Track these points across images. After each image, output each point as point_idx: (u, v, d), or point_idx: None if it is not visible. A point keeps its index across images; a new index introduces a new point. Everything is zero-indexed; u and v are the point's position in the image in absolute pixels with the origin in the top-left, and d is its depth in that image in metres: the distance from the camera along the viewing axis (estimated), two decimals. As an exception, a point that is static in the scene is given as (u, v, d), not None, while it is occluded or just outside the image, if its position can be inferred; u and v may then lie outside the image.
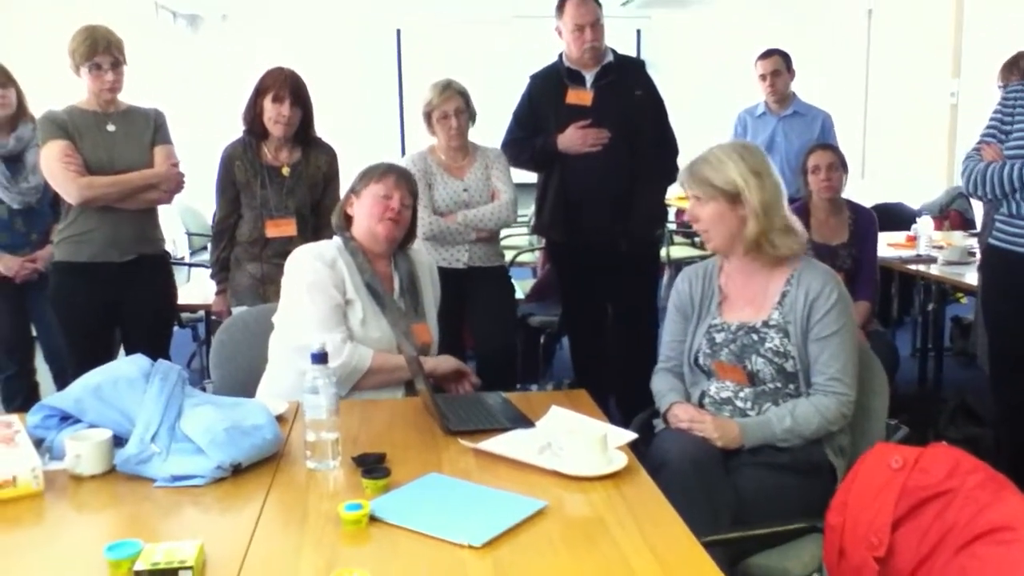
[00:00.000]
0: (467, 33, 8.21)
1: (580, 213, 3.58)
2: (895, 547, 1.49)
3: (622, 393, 3.70)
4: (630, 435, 1.92)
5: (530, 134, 3.64)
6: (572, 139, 3.53)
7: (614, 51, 3.65)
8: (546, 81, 3.66)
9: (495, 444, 1.89)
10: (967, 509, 1.41)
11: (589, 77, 3.58)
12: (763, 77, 4.72)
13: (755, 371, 2.18)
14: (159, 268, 3.28)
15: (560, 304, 4.30)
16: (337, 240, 2.46)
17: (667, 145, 3.65)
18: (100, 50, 3.03)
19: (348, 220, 2.48)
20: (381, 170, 2.46)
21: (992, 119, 2.81)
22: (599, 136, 3.50)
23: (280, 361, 2.39)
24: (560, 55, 3.64)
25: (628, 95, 3.55)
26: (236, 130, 3.27)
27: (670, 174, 3.46)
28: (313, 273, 2.33)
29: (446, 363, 2.42)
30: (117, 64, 3.08)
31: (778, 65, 4.71)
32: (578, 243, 3.64)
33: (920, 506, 1.48)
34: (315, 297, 2.31)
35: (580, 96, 3.56)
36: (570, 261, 3.76)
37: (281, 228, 3.15)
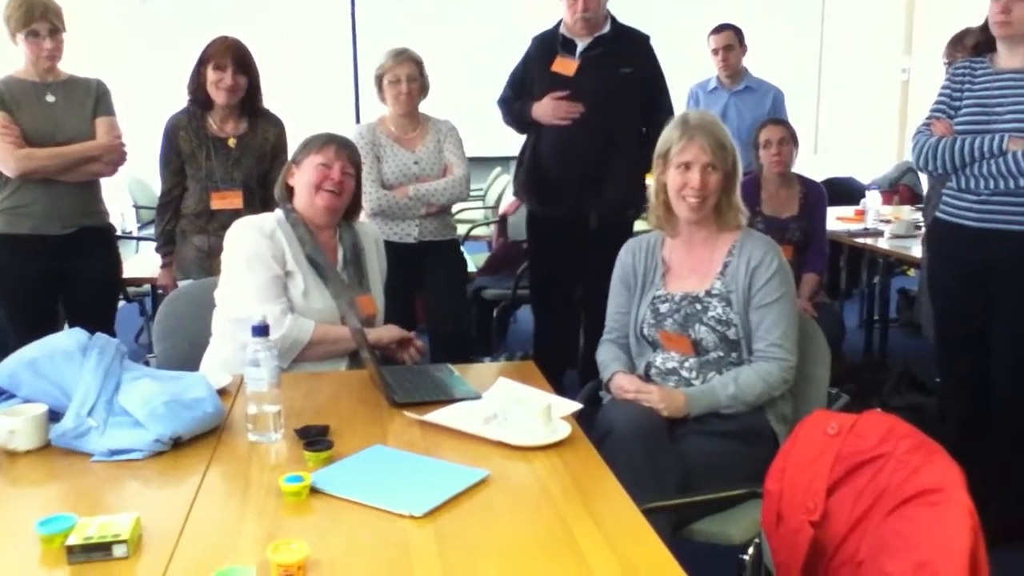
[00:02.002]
0: (423, 2, 8.11)
1: (550, 184, 3.56)
2: (830, 511, 1.51)
3: (584, 367, 3.70)
4: (575, 405, 1.93)
5: (519, 95, 3.60)
6: (544, 109, 3.48)
7: (615, 23, 3.53)
8: (541, 45, 3.59)
9: (441, 416, 1.89)
10: (899, 473, 1.43)
11: (580, 46, 3.49)
12: (715, 52, 4.73)
13: (699, 339, 2.21)
14: (103, 241, 3.22)
15: (513, 278, 4.32)
16: (278, 212, 2.43)
17: (655, 128, 3.59)
18: (36, 16, 2.94)
19: (290, 191, 2.45)
20: (321, 140, 2.43)
21: (941, 95, 2.85)
22: (570, 110, 3.43)
23: (221, 334, 2.36)
24: (560, 20, 3.56)
25: (613, 70, 3.44)
26: (185, 101, 3.20)
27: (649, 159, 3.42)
28: (252, 245, 2.30)
29: (388, 333, 2.41)
30: (55, 31, 3.00)
31: (730, 40, 4.72)
32: (548, 213, 3.63)
33: (854, 471, 1.50)
34: (254, 269, 2.28)
35: (565, 65, 3.49)
36: (540, 231, 3.73)
37: (227, 200, 3.10)
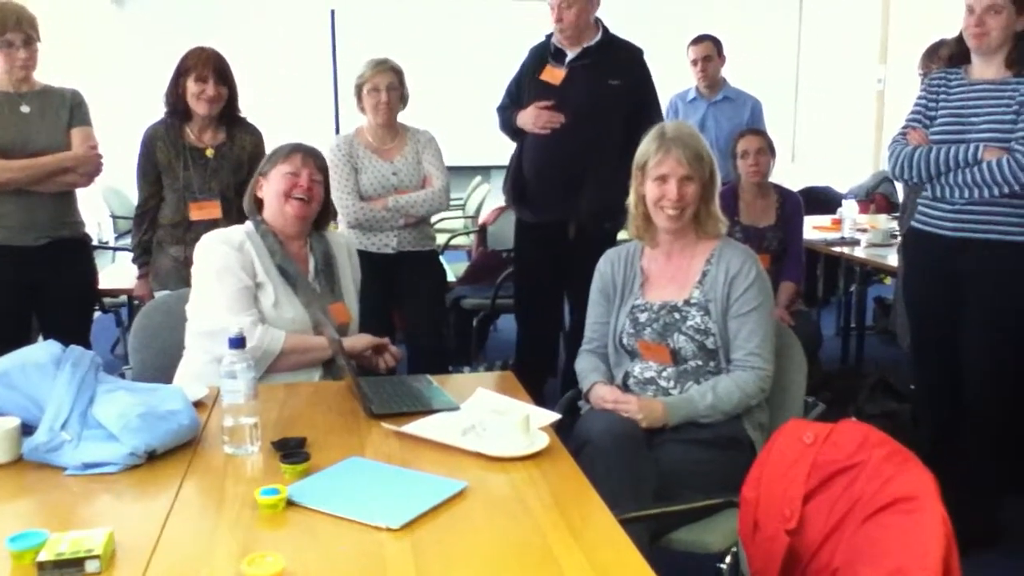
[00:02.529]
0: (403, 13, 8.11)
1: (532, 191, 3.57)
2: (806, 519, 1.52)
3: (565, 377, 3.70)
4: (553, 415, 1.93)
5: (514, 103, 3.61)
6: (527, 117, 3.49)
7: (608, 34, 3.53)
8: (535, 53, 3.61)
9: (419, 427, 1.89)
10: (874, 481, 1.44)
11: (569, 56, 3.49)
12: (695, 62, 4.77)
13: (677, 349, 2.22)
14: (78, 252, 3.19)
15: (493, 287, 4.32)
16: (248, 224, 2.42)
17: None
18: (10, 26, 2.92)
19: (260, 204, 2.44)
20: (287, 149, 2.43)
21: (917, 105, 2.88)
22: (551, 120, 3.43)
23: (192, 348, 2.35)
24: (553, 31, 3.55)
25: (600, 82, 3.43)
26: (163, 110, 3.18)
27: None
28: (221, 257, 2.29)
29: (360, 341, 2.39)
30: (30, 41, 2.97)
31: (709, 51, 4.76)
32: (531, 220, 3.64)
33: (830, 479, 1.51)
34: (223, 280, 2.27)
35: (553, 74, 3.49)
36: (524, 238, 3.74)
37: (205, 211, 3.08)
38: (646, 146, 2.27)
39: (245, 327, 2.17)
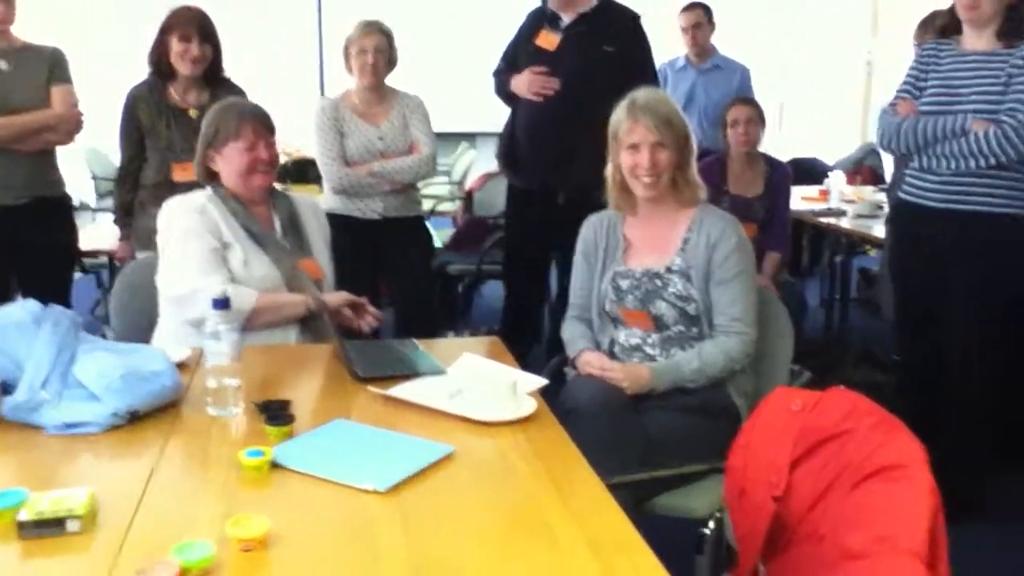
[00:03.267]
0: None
1: (523, 157, 3.54)
2: (793, 486, 1.52)
3: (550, 343, 3.69)
4: (540, 381, 1.92)
5: (510, 67, 3.57)
6: (521, 82, 3.45)
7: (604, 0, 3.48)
8: (531, 18, 3.56)
9: (405, 390, 1.87)
10: (862, 449, 1.44)
11: (565, 21, 3.45)
12: (685, 30, 4.74)
13: (659, 315, 2.22)
14: (58, 211, 3.15)
15: (478, 254, 4.30)
16: (207, 190, 2.38)
17: None
18: (-13, -18, 2.85)
19: (212, 174, 2.40)
20: (234, 123, 2.34)
21: (908, 76, 2.87)
22: (545, 85, 3.39)
23: (165, 314, 2.32)
24: None
25: (595, 48, 3.38)
26: (146, 70, 3.12)
27: None
28: (184, 221, 2.27)
29: (337, 297, 2.36)
30: (7, -3, 2.90)
31: (699, 18, 4.73)
32: (521, 186, 3.61)
33: (817, 447, 1.51)
34: (189, 244, 2.24)
35: (547, 39, 3.45)
36: (514, 203, 3.72)
37: (188, 172, 2.98)
38: (617, 115, 2.26)
39: (215, 287, 2.13)
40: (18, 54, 2.99)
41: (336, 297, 2.36)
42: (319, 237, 2.52)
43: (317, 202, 2.67)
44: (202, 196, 2.34)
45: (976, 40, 2.72)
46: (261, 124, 2.36)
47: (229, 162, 2.34)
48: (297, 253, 2.39)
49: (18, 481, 1.42)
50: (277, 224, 2.42)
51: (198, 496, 1.43)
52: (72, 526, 1.28)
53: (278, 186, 2.63)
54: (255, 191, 2.36)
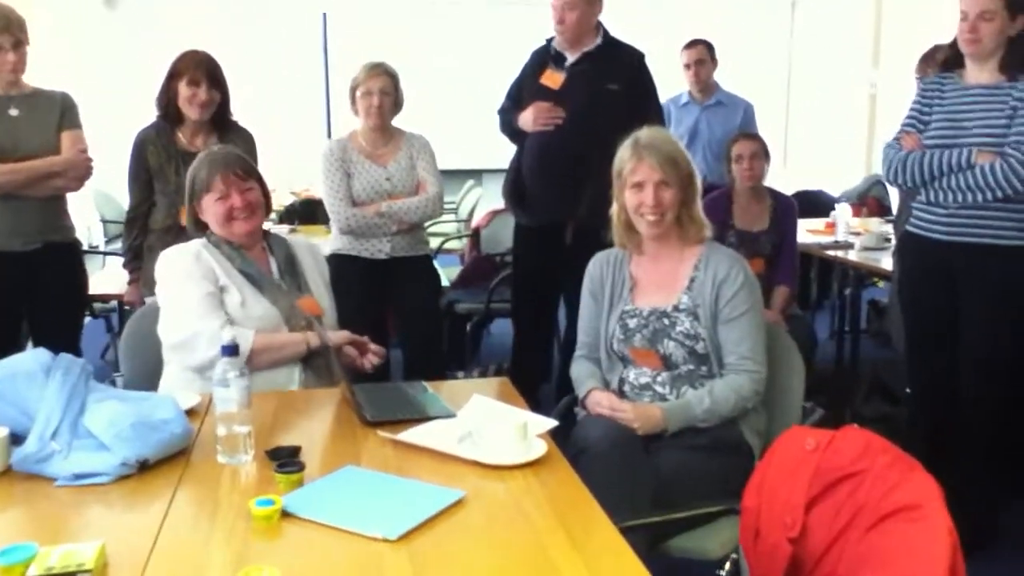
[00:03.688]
0: (395, 16, 8.09)
1: (529, 194, 3.55)
2: (808, 527, 1.51)
3: (560, 382, 3.68)
4: (551, 422, 1.91)
5: (515, 105, 3.60)
6: (527, 117, 3.48)
7: (608, 37, 3.51)
8: (536, 57, 3.60)
9: (414, 435, 1.87)
10: (877, 489, 1.43)
11: (569, 60, 3.48)
12: (687, 66, 4.77)
13: (668, 354, 2.22)
14: (68, 256, 3.15)
15: (486, 292, 4.30)
16: (201, 239, 2.39)
17: None
18: (-1, 29, 2.89)
19: (204, 225, 2.41)
20: (204, 175, 2.35)
21: (912, 110, 2.88)
22: (551, 114, 3.42)
23: (169, 363, 2.32)
24: (554, 35, 3.54)
25: (599, 86, 3.41)
26: (154, 114, 3.16)
27: None
28: (179, 267, 2.29)
29: (337, 336, 2.35)
30: (19, 44, 2.94)
31: (702, 55, 4.76)
32: (529, 223, 3.63)
33: (832, 487, 1.50)
34: (185, 290, 2.25)
35: (552, 78, 3.48)
36: (522, 241, 3.73)
37: None
38: (621, 154, 2.28)
39: (213, 331, 2.13)
40: (28, 100, 3.02)
41: (337, 336, 2.36)
42: (317, 276, 2.52)
43: (313, 243, 2.68)
44: (197, 244, 2.36)
45: (979, 73, 2.74)
46: (230, 172, 2.35)
47: (209, 215, 2.37)
48: (295, 292, 2.40)
49: (28, 535, 1.42)
50: (274, 266, 2.43)
51: (209, 547, 1.42)
52: (82, 580, 1.27)
53: (283, 228, 2.65)
54: (240, 238, 2.37)
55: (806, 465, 1.54)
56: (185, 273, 2.27)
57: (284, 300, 2.34)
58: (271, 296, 2.33)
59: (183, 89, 3.03)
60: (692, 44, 4.78)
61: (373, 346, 2.40)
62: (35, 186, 2.97)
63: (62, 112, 3.06)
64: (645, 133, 2.27)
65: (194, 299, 2.24)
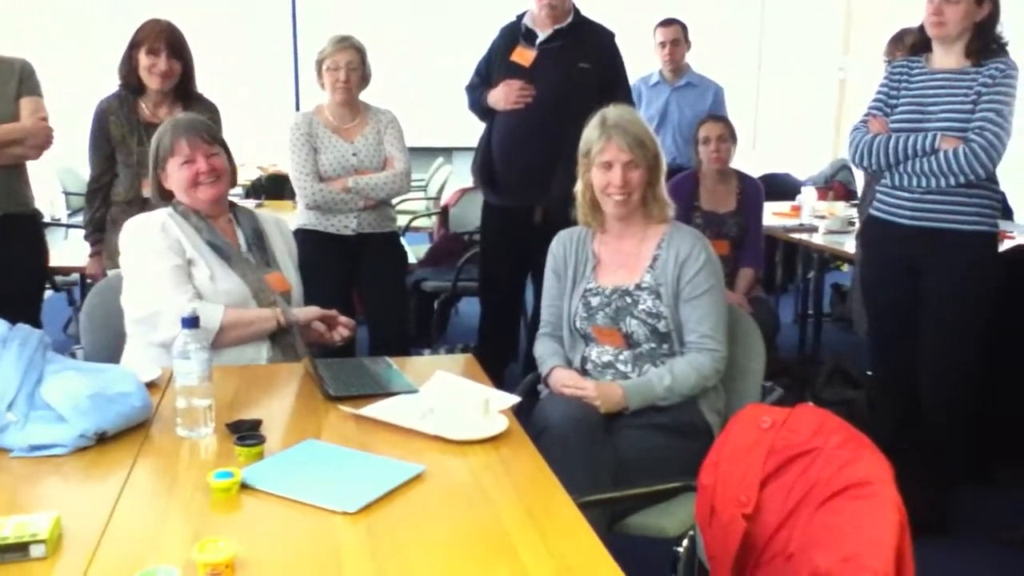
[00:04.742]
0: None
1: (499, 174, 3.55)
2: (762, 504, 1.53)
3: (527, 361, 3.68)
4: (513, 399, 1.92)
5: (483, 82, 3.58)
6: (498, 95, 3.47)
7: (579, 16, 3.51)
8: (505, 34, 3.58)
9: (377, 410, 1.87)
10: (829, 466, 1.46)
11: (540, 37, 3.47)
12: (663, 44, 4.76)
13: (630, 332, 2.24)
14: (28, 228, 3.09)
15: (454, 270, 4.30)
16: (167, 208, 2.35)
17: None
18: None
19: (167, 193, 2.38)
20: (168, 139, 2.32)
21: (878, 93, 2.90)
22: (523, 93, 3.41)
23: (132, 336, 2.29)
24: (526, 11, 3.53)
25: (571, 64, 3.41)
26: (116, 84, 3.10)
27: None
28: (144, 239, 2.24)
29: (308, 312, 2.34)
30: (-24, 10, 2.88)
31: (678, 34, 4.77)
32: (497, 203, 3.62)
33: (786, 464, 1.52)
34: (151, 263, 2.21)
35: (523, 55, 3.47)
36: (490, 220, 3.72)
37: None
38: (589, 133, 2.27)
39: (180, 307, 2.11)
40: (-14, 66, 2.95)
41: (307, 312, 2.34)
42: (284, 252, 2.50)
43: (281, 218, 2.66)
44: (163, 213, 2.32)
45: (945, 58, 2.76)
46: (196, 136, 2.32)
47: (174, 180, 2.33)
48: (263, 267, 2.38)
49: (-19, 505, 1.41)
50: (241, 238, 2.40)
51: (166, 519, 1.42)
52: (36, 551, 1.26)
53: (249, 203, 2.62)
54: (205, 204, 2.33)
55: (761, 443, 1.56)
56: (150, 245, 2.23)
57: (252, 275, 2.32)
58: (239, 270, 2.31)
59: (143, 59, 2.98)
60: (668, 23, 4.78)
61: (343, 318, 2.38)
62: (-7, 154, 2.91)
63: (20, 79, 2.99)
64: (612, 112, 2.27)
65: (160, 272, 2.20)
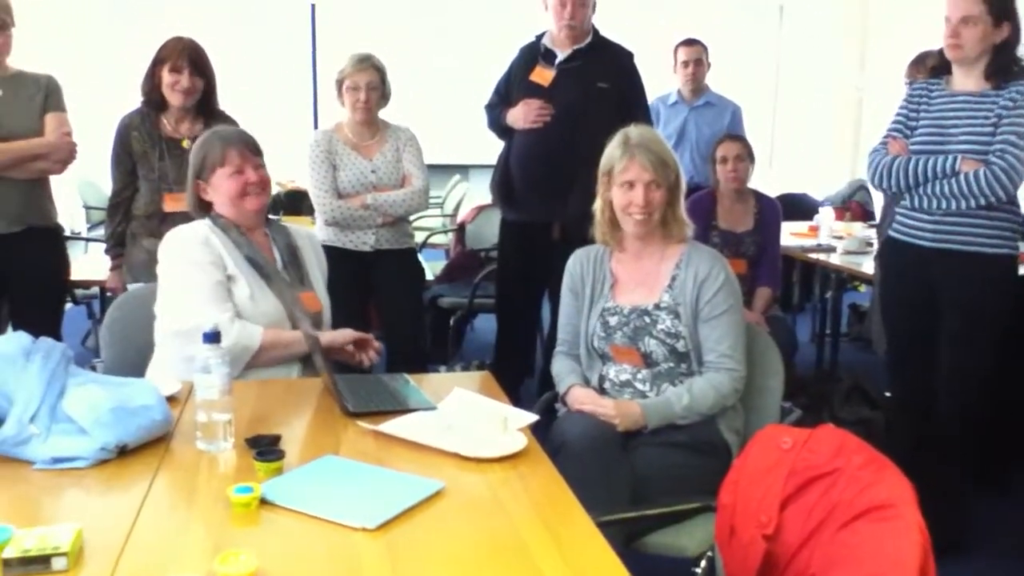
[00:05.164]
0: (384, 8, 8.06)
1: (517, 191, 3.56)
2: (783, 525, 1.52)
3: (543, 378, 3.69)
4: (531, 417, 1.92)
5: (502, 101, 3.61)
6: (516, 114, 3.49)
7: (598, 36, 3.54)
8: (524, 54, 3.61)
9: (395, 426, 1.87)
10: (851, 488, 1.45)
11: (559, 57, 3.50)
12: (685, 64, 4.77)
13: (648, 352, 2.24)
14: (50, 241, 3.14)
15: (470, 286, 4.31)
16: (206, 220, 2.36)
17: None
18: (-15, 11, 2.87)
19: (207, 206, 2.39)
20: (219, 149, 2.33)
21: (898, 115, 2.90)
22: (541, 112, 3.43)
23: (164, 347, 2.29)
24: (545, 31, 3.57)
25: (590, 84, 3.44)
26: (138, 99, 3.14)
27: None
28: (189, 253, 2.25)
29: (342, 335, 2.34)
30: (3, 26, 2.92)
31: (700, 54, 4.79)
32: (515, 220, 3.64)
33: (807, 485, 1.51)
34: (194, 277, 2.22)
35: (542, 75, 3.50)
36: (508, 237, 3.74)
37: (180, 203, 3.00)
38: (611, 151, 2.28)
39: (223, 323, 2.12)
40: (12, 81, 3.00)
41: (342, 336, 2.34)
42: (317, 269, 2.52)
43: (314, 233, 2.67)
44: (204, 226, 2.32)
45: (965, 80, 2.76)
46: (246, 147, 2.35)
47: (220, 190, 2.34)
48: (297, 286, 2.39)
49: (4, 517, 1.41)
50: (277, 255, 2.41)
51: (186, 533, 1.42)
52: (58, 564, 1.27)
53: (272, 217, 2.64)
54: (250, 215, 2.35)
55: (782, 463, 1.56)
56: (192, 258, 2.24)
57: (288, 293, 2.33)
58: (276, 289, 2.32)
59: (166, 75, 3.02)
60: (690, 43, 4.79)
61: (375, 343, 2.39)
62: (18, 168, 2.96)
63: (46, 94, 3.04)
64: (635, 131, 2.28)
65: (203, 286, 2.21)
